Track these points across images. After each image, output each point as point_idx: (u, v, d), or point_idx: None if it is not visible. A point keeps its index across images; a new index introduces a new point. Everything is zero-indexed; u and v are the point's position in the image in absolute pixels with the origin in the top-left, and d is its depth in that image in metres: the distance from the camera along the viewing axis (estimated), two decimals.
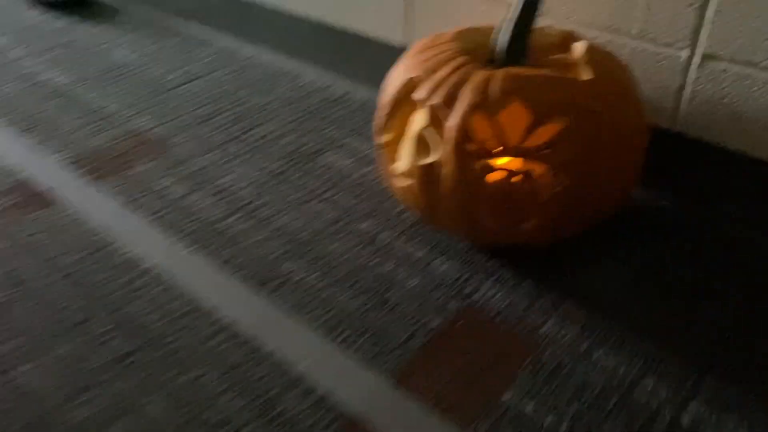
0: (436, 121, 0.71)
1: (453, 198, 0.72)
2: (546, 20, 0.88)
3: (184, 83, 1.23)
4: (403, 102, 0.77)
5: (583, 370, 0.67)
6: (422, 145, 0.73)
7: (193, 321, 0.73)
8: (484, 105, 0.68)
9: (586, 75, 0.71)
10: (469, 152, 0.69)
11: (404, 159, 0.76)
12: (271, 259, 0.82)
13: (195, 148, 1.04)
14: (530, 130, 0.68)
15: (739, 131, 0.79)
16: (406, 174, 0.75)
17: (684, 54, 0.79)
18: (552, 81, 0.69)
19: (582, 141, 0.68)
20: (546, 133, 0.68)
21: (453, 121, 0.69)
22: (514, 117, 0.70)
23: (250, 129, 1.08)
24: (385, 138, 0.79)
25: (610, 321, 0.71)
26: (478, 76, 0.70)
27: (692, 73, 0.79)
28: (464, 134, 0.69)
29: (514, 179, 0.70)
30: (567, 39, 0.80)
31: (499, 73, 0.70)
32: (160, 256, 0.82)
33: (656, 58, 0.81)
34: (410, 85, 0.75)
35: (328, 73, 1.24)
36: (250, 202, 0.92)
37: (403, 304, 0.75)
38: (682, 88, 0.81)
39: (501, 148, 0.69)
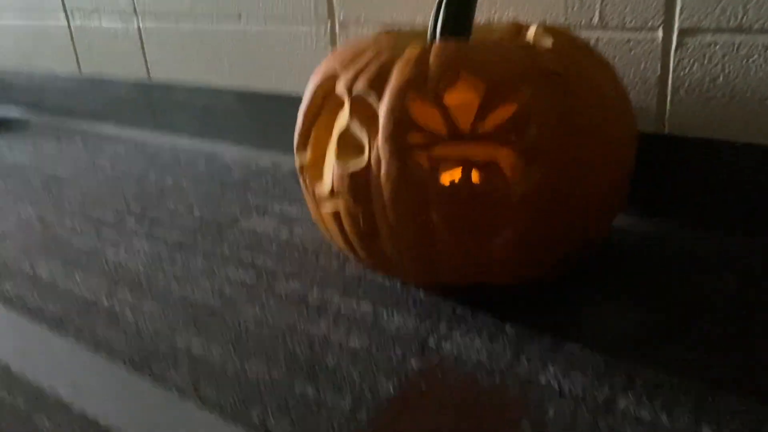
0: (363, 115, 0.54)
1: (397, 211, 0.53)
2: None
3: (80, 175, 1.05)
4: (324, 108, 0.60)
5: (607, 425, 0.45)
6: (349, 148, 0.55)
7: (54, 416, 0.49)
8: (421, 82, 0.52)
9: (545, 45, 0.56)
10: (411, 144, 0.52)
11: (329, 175, 0.58)
12: (162, 334, 0.60)
13: (83, 226, 0.84)
14: (486, 107, 0.51)
15: (743, 117, 0.63)
16: (334, 194, 0.57)
17: (659, 35, 0.65)
18: (504, 48, 0.54)
19: (552, 115, 0.51)
20: (506, 110, 0.51)
21: (385, 106, 0.52)
22: (464, 97, 0.54)
23: (155, 206, 0.89)
24: (305, 157, 0.61)
25: (629, 363, 0.51)
26: (412, 52, 0.55)
27: (673, 55, 0.65)
28: (401, 121, 0.52)
29: (475, 177, 0.52)
30: (516, 29, 0.66)
31: (438, 46, 0.54)
32: (10, 341, 0.59)
33: (626, 47, 0.67)
34: (330, 84, 0.59)
35: (252, 149, 1.08)
36: (142, 276, 0.71)
37: (344, 369, 0.53)
38: (664, 77, 0.67)
39: (452, 135, 0.52)
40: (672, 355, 0.51)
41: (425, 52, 0.53)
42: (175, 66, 1.12)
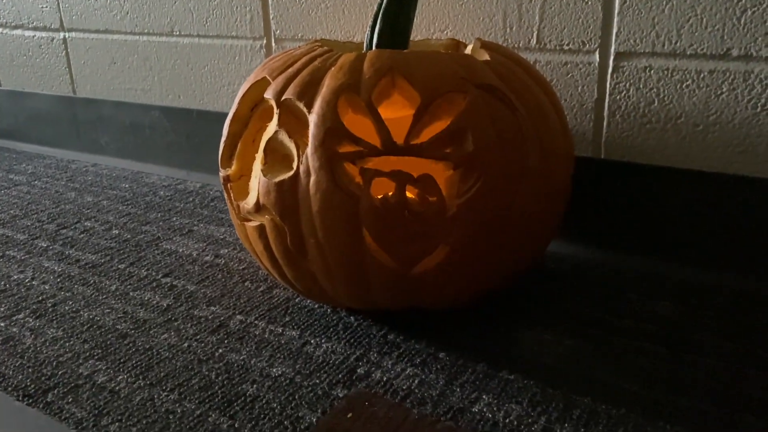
0: (292, 123, 0.51)
1: (326, 225, 0.49)
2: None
3: None
4: (252, 118, 0.56)
5: None
6: (278, 160, 0.52)
7: None
8: (354, 88, 0.49)
9: (481, 58, 0.54)
10: (342, 155, 0.49)
11: (255, 188, 0.54)
12: (64, 361, 0.54)
13: None
14: (421, 119, 0.49)
15: (678, 142, 0.63)
16: (260, 208, 0.53)
17: (596, 58, 0.65)
18: (440, 57, 0.52)
19: (489, 129, 0.49)
20: (442, 122, 0.49)
21: (315, 113, 0.49)
22: (399, 110, 0.51)
23: (71, 225, 0.83)
24: (231, 170, 0.57)
25: (565, 391, 0.48)
26: (346, 58, 0.52)
27: (609, 79, 0.65)
28: (333, 130, 0.48)
29: (410, 191, 0.49)
30: (454, 45, 0.65)
31: (372, 53, 0.52)
32: None
33: (564, 69, 0.67)
34: (259, 92, 0.55)
35: (180, 169, 1.03)
36: (48, 298, 0.64)
37: (263, 399, 0.48)
38: (601, 101, 0.66)
39: (385, 147, 0.49)
40: (609, 383, 0.49)
41: (359, 59, 0.51)
42: (103, 80, 1.07)
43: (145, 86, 1.02)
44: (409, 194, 0.49)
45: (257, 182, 0.53)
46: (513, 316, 0.58)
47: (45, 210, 0.89)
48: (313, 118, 0.49)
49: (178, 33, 0.95)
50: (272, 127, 0.52)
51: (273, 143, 0.52)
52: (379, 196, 0.49)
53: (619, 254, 0.68)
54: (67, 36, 1.08)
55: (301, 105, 0.50)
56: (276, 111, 0.51)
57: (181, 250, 0.74)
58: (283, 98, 0.51)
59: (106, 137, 1.10)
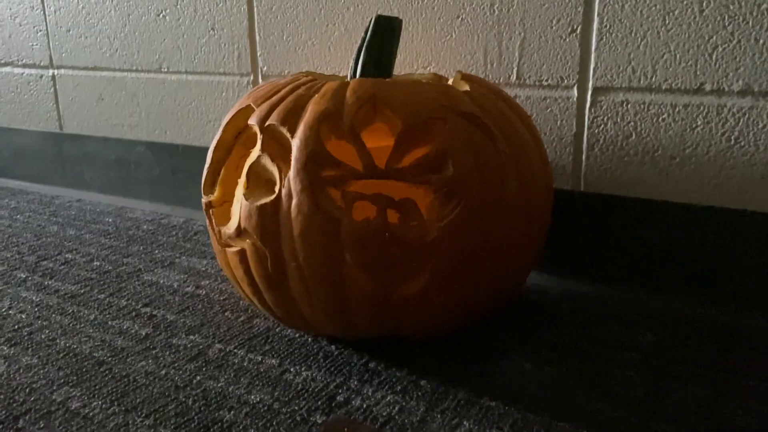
0: (275, 148, 0.52)
1: (307, 249, 0.49)
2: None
3: None
4: (235, 146, 0.57)
5: None
6: (260, 184, 0.52)
7: None
8: (337, 114, 0.50)
9: (462, 89, 0.56)
10: (324, 178, 0.49)
11: (236, 214, 0.54)
12: (37, 387, 0.53)
13: None
14: (402, 144, 0.49)
15: (655, 175, 0.64)
16: (241, 233, 0.53)
17: (574, 93, 0.67)
18: (422, 86, 0.53)
19: (469, 154, 0.50)
20: (423, 148, 0.50)
21: (298, 138, 0.50)
22: (381, 137, 0.52)
23: (51, 257, 0.82)
24: (213, 196, 0.57)
25: (546, 418, 0.48)
26: (329, 86, 0.53)
27: (588, 113, 0.66)
28: (315, 154, 0.49)
29: (391, 216, 0.49)
30: (437, 79, 0.66)
31: (355, 81, 0.53)
32: None
33: (543, 104, 0.68)
34: (243, 120, 0.56)
35: (165, 204, 1.03)
36: (24, 327, 0.63)
37: (240, 426, 0.47)
38: (579, 134, 0.67)
39: (367, 171, 0.49)
40: (590, 409, 0.48)
41: (342, 87, 0.52)
42: (90, 116, 1.07)
43: (132, 122, 1.03)
44: (390, 220, 0.49)
45: (239, 207, 0.53)
46: (494, 346, 0.58)
47: (26, 243, 0.88)
48: (295, 143, 0.50)
49: (166, 69, 0.96)
50: (255, 152, 0.52)
51: (255, 167, 0.52)
52: (360, 219, 0.49)
53: (600, 286, 0.68)
54: (56, 73, 1.09)
55: (284, 130, 0.51)
56: (259, 136, 0.52)
57: (162, 281, 0.74)
58: (266, 124, 0.52)
59: (91, 173, 1.10)
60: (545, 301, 0.66)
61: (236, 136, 0.57)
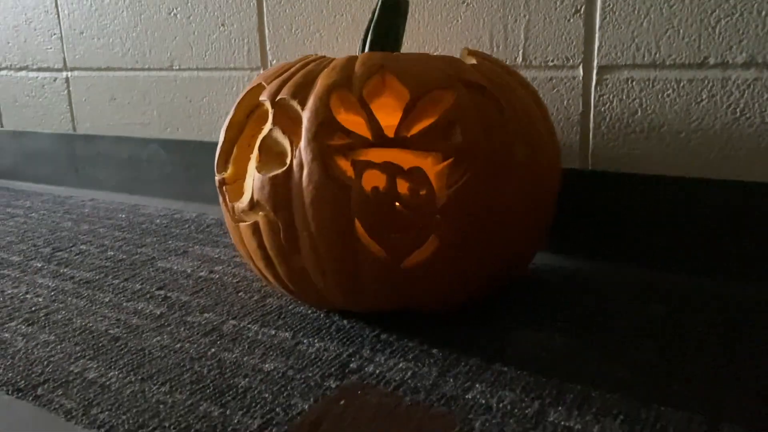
0: (286, 121, 0.53)
1: (318, 218, 0.50)
2: None
3: None
4: (248, 124, 0.58)
5: None
6: (272, 158, 0.53)
7: None
8: (346, 85, 0.51)
9: (469, 62, 0.57)
10: (334, 147, 0.50)
11: (249, 188, 0.55)
12: (55, 360, 0.54)
13: None
14: (410, 112, 0.50)
15: (661, 150, 0.65)
16: (254, 206, 0.54)
17: (579, 72, 0.67)
18: (429, 57, 0.54)
19: (477, 123, 0.51)
20: (431, 116, 0.51)
21: (308, 109, 0.51)
22: (390, 108, 0.53)
23: (66, 248, 0.84)
24: (226, 173, 0.58)
25: (558, 379, 0.48)
26: (338, 61, 0.54)
27: (593, 92, 0.67)
28: (325, 123, 0.50)
29: (400, 184, 0.50)
30: None
31: (364, 54, 0.54)
32: None
33: (550, 85, 0.69)
34: (254, 98, 0.57)
35: (178, 201, 1.04)
36: (41, 309, 0.64)
37: (255, 391, 0.48)
38: (586, 113, 0.68)
39: (376, 140, 0.50)
40: (601, 372, 0.49)
41: (351, 60, 0.53)
42: (102, 116, 1.09)
43: (144, 120, 1.04)
44: (400, 189, 0.50)
45: (251, 181, 0.54)
46: (505, 318, 0.58)
47: (41, 236, 0.89)
48: (306, 114, 0.51)
49: (177, 67, 0.98)
50: (267, 126, 0.54)
51: (267, 141, 0.53)
52: (370, 188, 0.50)
53: (609, 263, 0.69)
54: (69, 75, 1.11)
55: (294, 103, 0.52)
56: (270, 111, 0.53)
57: (175, 268, 0.75)
58: (277, 98, 0.53)
59: (104, 172, 1.12)
60: (555, 278, 0.67)
61: (248, 115, 0.58)
